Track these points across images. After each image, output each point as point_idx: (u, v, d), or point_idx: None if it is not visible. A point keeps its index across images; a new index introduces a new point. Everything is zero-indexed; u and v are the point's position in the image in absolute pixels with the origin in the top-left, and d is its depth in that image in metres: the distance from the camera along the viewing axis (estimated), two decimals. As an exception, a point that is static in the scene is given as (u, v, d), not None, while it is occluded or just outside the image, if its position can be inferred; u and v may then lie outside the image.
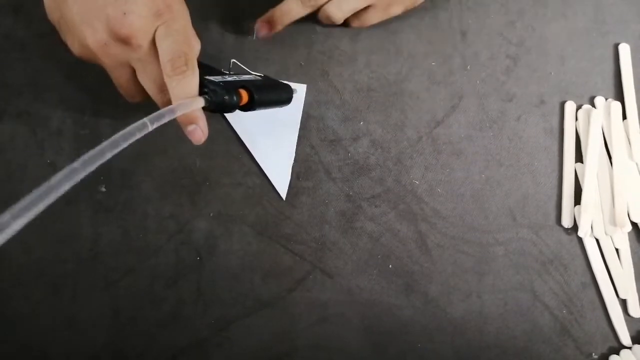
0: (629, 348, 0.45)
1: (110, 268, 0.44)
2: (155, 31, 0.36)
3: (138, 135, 0.28)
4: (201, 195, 0.45)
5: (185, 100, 0.35)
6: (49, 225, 0.44)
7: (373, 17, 0.48)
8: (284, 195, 0.46)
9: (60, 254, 0.44)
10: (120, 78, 0.38)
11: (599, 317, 0.46)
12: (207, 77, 0.38)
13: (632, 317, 0.45)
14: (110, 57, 0.36)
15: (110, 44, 0.35)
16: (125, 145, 0.27)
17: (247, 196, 0.46)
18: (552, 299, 0.46)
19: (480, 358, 0.44)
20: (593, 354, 0.45)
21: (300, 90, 0.48)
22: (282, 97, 0.44)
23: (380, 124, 0.48)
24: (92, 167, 0.25)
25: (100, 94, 0.45)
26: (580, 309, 0.46)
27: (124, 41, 0.35)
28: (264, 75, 0.44)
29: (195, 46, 0.39)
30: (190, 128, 0.37)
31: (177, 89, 0.35)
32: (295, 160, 0.47)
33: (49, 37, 0.47)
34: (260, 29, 0.47)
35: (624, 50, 0.51)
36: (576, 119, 0.50)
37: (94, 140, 0.46)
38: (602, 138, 0.49)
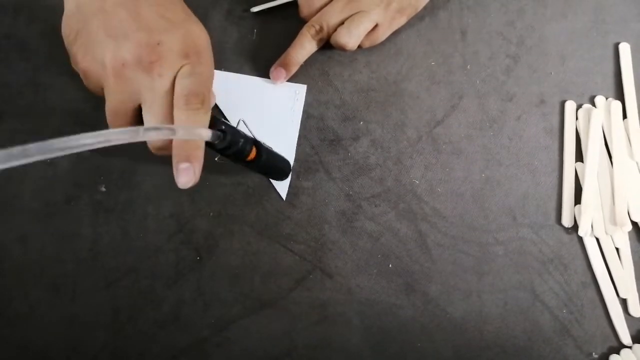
0: (629, 347, 0.45)
1: (110, 268, 0.44)
2: (180, 69, 0.35)
3: (127, 139, 0.27)
4: (201, 195, 0.45)
5: (193, 127, 0.33)
6: (48, 225, 0.44)
7: (382, 35, 0.48)
8: (284, 195, 0.46)
9: (60, 254, 0.44)
10: (117, 106, 0.36)
11: (599, 317, 0.46)
12: (223, 120, 0.37)
13: (632, 316, 0.45)
14: (121, 80, 0.34)
15: (129, 66, 0.34)
16: (109, 143, 0.26)
17: (247, 196, 0.46)
18: (552, 298, 0.46)
19: (480, 357, 0.44)
20: (593, 353, 0.45)
21: (300, 90, 0.48)
22: (285, 168, 0.44)
23: (380, 123, 0.48)
24: (62, 153, 0.24)
25: (100, 94, 0.45)
26: (581, 309, 0.46)
27: (147, 67, 0.34)
28: (269, 146, 0.43)
29: (212, 98, 0.39)
30: (183, 166, 0.34)
31: (184, 122, 0.34)
32: (295, 160, 0.47)
33: (49, 37, 0.48)
34: (276, 75, 0.47)
35: (624, 49, 0.51)
36: (576, 119, 0.50)
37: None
38: (603, 137, 0.49)
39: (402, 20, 0.49)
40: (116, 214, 0.45)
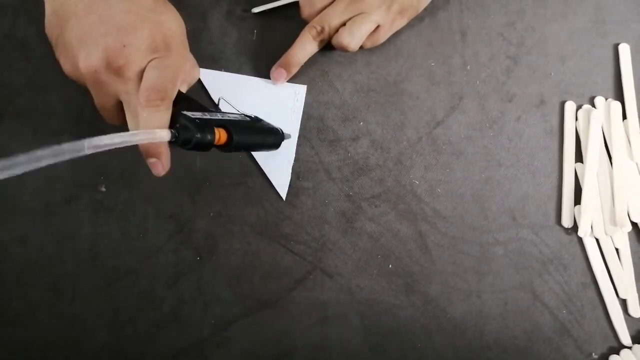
0: (629, 348, 0.45)
1: (110, 268, 0.44)
2: (148, 64, 0.36)
3: (79, 153, 0.27)
4: (201, 195, 0.45)
5: (150, 130, 0.34)
6: (48, 225, 0.44)
7: (383, 36, 0.48)
8: (284, 195, 0.46)
9: (60, 254, 0.44)
10: (102, 103, 0.38)
11: (599, 317, 0.46)
12: (184, 112, 0.36)
13: (632, 316, 0.45)
14: (97, 84, 0.36)
15: (102, 72, 0.35)
16: (71, 156, 0.26)
17: (247, 196, 0.46)
18: (552, 298, 0.46)
19: (480, 358, 0.44)
20: (593, 353, 0.45)
21: (300, 91, 0.48)
22: (268, 141, 0.43)
23: (380, 124, 0.48)
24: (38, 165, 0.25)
25: (101, 94, 0.45)
26: (580, 309, 0.46)
27: (116, 72, 0.35)
28: (255, 116, 0.43)
29: (194, 75, 0.40)
30: (151, 161, 0.37)
31: (146, 120, 0.35)
32: (295, 160, 0.47)
33: (49, 37, 0.48)
34: (277, 75, 0.47)
35: (624, 50, 0.51)
36: (576, 119, 0.50)
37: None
38: (602, 138, 0.49)
39: (403, 22, 0.49)
40: (116, 214, 0.45)
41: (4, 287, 0.43)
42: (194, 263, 0.44)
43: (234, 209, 0.45)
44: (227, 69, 0.48)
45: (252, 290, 0.44)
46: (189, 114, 0.36)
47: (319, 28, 0.46)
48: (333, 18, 0.46)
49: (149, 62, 0.36)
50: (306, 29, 0.46)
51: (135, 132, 0.32)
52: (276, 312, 0.44)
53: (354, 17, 0.45)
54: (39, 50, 0.47)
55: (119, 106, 0.38)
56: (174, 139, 0.34)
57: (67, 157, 0.26)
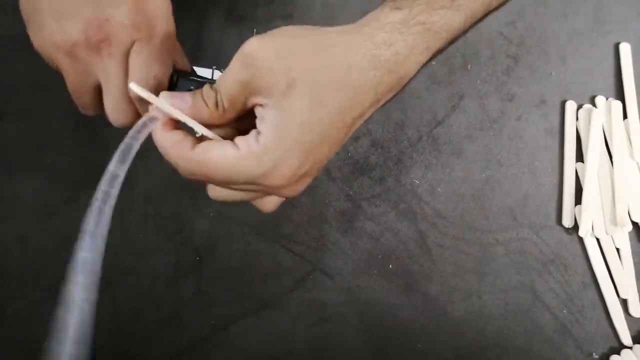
0: (630, 348, 0.45)
1: (110, 268, 0.44)
2: (132, 45, 0.33)
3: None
4: (201, 195, 0.45)
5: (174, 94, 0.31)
6: (49, 225, 0.44)
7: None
8: (284, 195, 0.46)
9: (60, 254, 0.44)
10: (77, 85, 0.34)
11: (599, 317, 0.46)
12: (193, 78, 0.35)
13: (632, 316, 0.45)
14: (74, 60, 0.32)
15: (79, 47, 0.32)
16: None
17: (247, 196, 0.46)
18: (553, 298, 0.46)
19: (481, 358, 0.44)
20: (594, 353, 0.45)
21: (300, 90, 0.48)
22: None
23: (380, 123, 0.48)
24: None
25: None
26: (581, 309, 0.46)
27: (96, 47, 0.32)
28: None
29: (178, 59, 0.36)
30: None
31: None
32: (295, 160, 0.47)
33: (49, 37, 0.47)
34: None
35: (625, 49, 0.51)
36: (577, 119, 0.50)
37: (94, 140, 0.46)
38: (603, 137, 0.49)
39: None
40: (116, 214, 0.45)
41: (4, 287, 0.43)
42: (194, 263, 0.44)
43: (234, 209, 0.45)
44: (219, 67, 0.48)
45: (252, 290, 0.44)
46: (200, 80, 0.35)
47: None
48: None
49: (133, 43, 0.33)
50: None
51: (146, 117, 0.30)
52: (276, 312, 0.44)
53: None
54: (39, 50, 0.47)
55: (95, 91, 0.34)
56: None
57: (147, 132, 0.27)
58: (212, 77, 0.37)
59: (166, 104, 0.29)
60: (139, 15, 0.33)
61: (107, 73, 0.33)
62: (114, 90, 0.33)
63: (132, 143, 0.28)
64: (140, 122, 0.29)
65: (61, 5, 0.32)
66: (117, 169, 0.26)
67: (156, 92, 0.31)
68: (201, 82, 0.35)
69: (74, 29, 0.31)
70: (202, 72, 0.37)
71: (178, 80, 0.35)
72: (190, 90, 0.32)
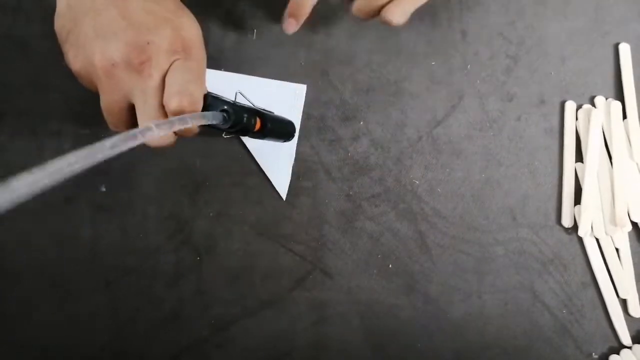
0: (629, 348, 0.45)
1: (110, 268, 0.44)
2: (170, 66, 0.35)
3: (140, 139, 0.27)
4: (201, 195, 0.45)
5: (202, 113, 0.34)
6: (49, 225, 0.44)
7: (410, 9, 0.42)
8: (284, 195, 0.46)
9: (60, 254, 0.44)
10: (112, 104, 0.36)
11: (599, 317, 0.46)
12: (224, 99, 0.38)
13: (632, 316, 0.45)
14: (112, 80, 0.34)
15: (120, 67, 0.34)
16: (126, 147, 0.27)
17: (247, 196, 0.46)
18: (552, 298, 0.46)
19: (481, 358, 0.44)
20: (593, 353, 0.45)
21: (300, 90, 0.48)
22: (287, 129, 0.45)
23: (380, 123, 0.48)
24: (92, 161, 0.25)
25: (100, 94, 0.45)
26: (581, 309, 0.46)
27: (137, 68, 0.34)
28: (268, 110, 0.44)
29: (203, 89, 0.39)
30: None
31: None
32: (295, 160, 0.47)
33: (49, 37, 0.47)
34: (287, 27, 0.44)
35: (624, 49, 0.51)
36: (576, 119, 0.50)
37: (94, 140, 0.46)
38: (602, 138, 0.49)
39: None
40: (116, 214, 0.45)
41: (4, 286, 0.43)
42: (194, 263, 0.44)
43: (234, 209, 0.45)
44: (227, 69, 0.48)
45: (252, 290, 0.44)
46: (226, 98, 0.38)
47: None
48: None
49: (170, 64, 0.35)
50: None
51: (188, 115, 0.32)
52: (276, 312, 0.44)
53: None
54: (39, 50, 0.47)
55: (127, 110, 0.36)
56: (223, 122, 0.36)
57: (139, 142, 0.27)
58: (235, 99, 0.40)
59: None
60: (176, 40, 0.35)
61: (145, 92, 0.35)
62: (149, 109, 0.35)
63: (135, 135, 0.29)
64: (171, 119, 0.30)
65: (104, 29, 0.34)
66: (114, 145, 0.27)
67: (193, 109, 0.34)
68: (229, 103, 0.38)
69: (116, 51, 0.33)
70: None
71: (212, 100, 0.38)
72: (224, 109, 0.36)
